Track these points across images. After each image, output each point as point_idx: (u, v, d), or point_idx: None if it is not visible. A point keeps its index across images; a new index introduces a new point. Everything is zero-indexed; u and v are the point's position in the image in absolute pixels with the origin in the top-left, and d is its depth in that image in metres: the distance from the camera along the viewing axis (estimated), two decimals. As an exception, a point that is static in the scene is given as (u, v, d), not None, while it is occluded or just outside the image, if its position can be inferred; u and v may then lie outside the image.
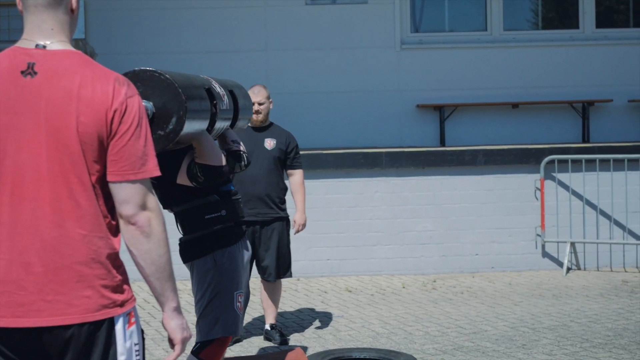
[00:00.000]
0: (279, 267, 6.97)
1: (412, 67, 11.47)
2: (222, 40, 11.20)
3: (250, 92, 6.89)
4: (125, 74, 3.85)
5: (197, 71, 10.76)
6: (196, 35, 11.17)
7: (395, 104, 11.40)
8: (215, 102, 4.39)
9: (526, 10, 12.05)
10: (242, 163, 4.59)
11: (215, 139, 4.57)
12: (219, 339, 4.55)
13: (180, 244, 4.68)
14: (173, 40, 11.14)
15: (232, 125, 4.77)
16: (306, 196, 7.17)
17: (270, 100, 7.05)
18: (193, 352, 4.57)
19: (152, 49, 11.07)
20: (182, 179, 4.42)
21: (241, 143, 4.73)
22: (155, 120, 3.88)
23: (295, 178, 7.07)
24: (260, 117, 6.94)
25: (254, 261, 6.93)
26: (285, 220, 7.00)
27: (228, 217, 4.61)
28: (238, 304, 4.60)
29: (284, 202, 7.01)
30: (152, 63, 10.87)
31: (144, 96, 3.81)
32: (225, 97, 4.60)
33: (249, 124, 6.96)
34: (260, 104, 6.90)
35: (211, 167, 4.36)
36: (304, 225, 7.05)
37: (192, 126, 4.05)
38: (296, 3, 11.41)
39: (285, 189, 7.06)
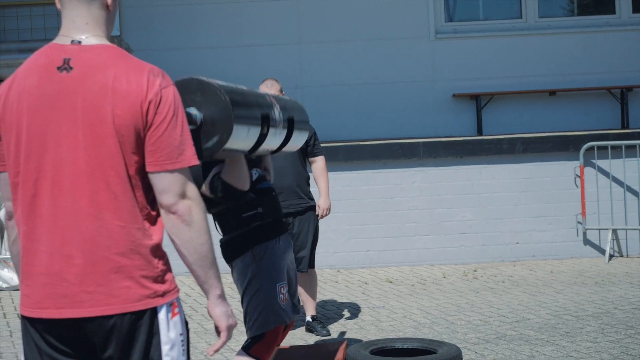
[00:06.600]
0: (312, 257, 7.02)
1: (447, 57, 11.41)
2: (255, 34, 11.20)
3: (262, 87, 6.92)
4: (190, 80, 3.83)
5: (230, 65, 10.89)
6: (229, 29, 11.18)
7: (431, 94, 11.35)
8: (266, 131, 4.27)
9: (561, -3, 11.94)
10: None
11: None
12: (267, 333, 4.51)
13: (221, 245, 4.65)
14: (205, 35, 11.16)
15: (276, 151, 4.71)
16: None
17: (283, 93, 7.05)
18: (243, 348, 4.54)
19: (187, 45, 11.10)
20: (203, 188, 4.40)
21: (271, 172, 4.77)
22: (197, 130, 3.76)
23: (317, 164, 7.12)
24: None
25: None
26: (314, 208, 7.04)
27: (266, 214, 4.60)
28: (281, 295, 4.57)
29: (310, 191, 7.06)
30: (186, 59, 10.95)
31: (198, 105, 3.77)
32: (282, 124, 4.48)
33: None
34: None
35: (234, 188, 4.38)
36: (328, 210, 7.10)
37: (231, 146, 3.94)
38: (329, -6, 11.38)
39: (309, 177, 7.11)
